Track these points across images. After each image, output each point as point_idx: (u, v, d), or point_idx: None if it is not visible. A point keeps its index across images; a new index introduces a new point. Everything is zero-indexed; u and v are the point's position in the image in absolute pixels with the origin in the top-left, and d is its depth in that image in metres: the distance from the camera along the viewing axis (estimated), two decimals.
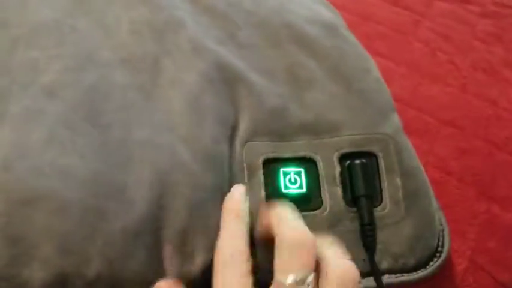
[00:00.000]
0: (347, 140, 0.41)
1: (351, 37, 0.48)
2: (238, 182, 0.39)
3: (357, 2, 0.58)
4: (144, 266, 0.35)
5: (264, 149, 0.40)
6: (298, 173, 0.40)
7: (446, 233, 0.41)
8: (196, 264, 0.35)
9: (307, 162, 0.40)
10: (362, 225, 0.39)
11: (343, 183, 0.40)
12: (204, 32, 0.45)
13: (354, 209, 0.39)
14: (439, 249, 0.40)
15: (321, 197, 0.39)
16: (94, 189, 0.35)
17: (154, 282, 0.34)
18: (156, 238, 0.36)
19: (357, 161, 0.40)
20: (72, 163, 0.36)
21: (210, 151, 0.39)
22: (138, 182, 0.36)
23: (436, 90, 0.52)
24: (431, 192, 0.41)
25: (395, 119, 0.43)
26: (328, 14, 0.50)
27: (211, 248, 0.35)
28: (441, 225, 0.41)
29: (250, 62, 0.44)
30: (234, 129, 0.41)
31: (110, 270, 0.34)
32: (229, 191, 0.38)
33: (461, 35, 0.58)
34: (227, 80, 0.42)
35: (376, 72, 0.46)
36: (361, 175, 0.40)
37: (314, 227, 0.38)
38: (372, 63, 0.47)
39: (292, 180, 0.39)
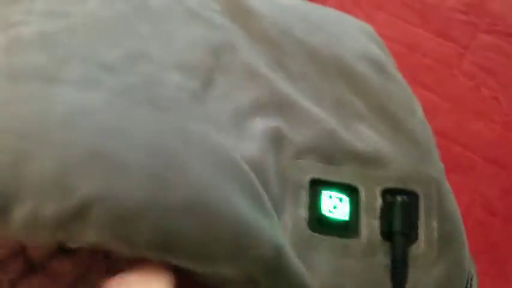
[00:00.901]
0: (393, 176, 0.42)
1: (399, 76, 0.48)
2: (282, 197, 0.39)
3: (403, 33, 0.59)
4: (196, 242, 0.34)
5: (311, 169, 0.41)
6: (341, 199, 0.40)
7: (474, 281, 0.41)
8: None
9: (350, 190, 0.41)
10: (394, 261, 0.39)
11: (382, 217, 0.41)
12: (256, 58, 0.46)
13: (389, 244, 0.40)
14: None
15: (358, 227, 0.40)
16: (156, 156, 0.35)
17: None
18: (214, 220, 0.35)
19: (399, 198, 0.41)
20: (133, 128, 0.35)
21: (256, 160, 0.39)
22: (199, 161, 0.36)
23: (481, 126, 0.53)
24: (465, 238, 0.42)
25: (439, 163, 0.44)
26: (378, 51, 0.50)
27: (266, 244, 0.35)
28: (470, 272, 0.41)
29: (300, 91, 0.45)
30: (282, 144, 0.41)
31: (162, 241, 0.33)
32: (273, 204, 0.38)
33: (505, 70, 0.59)
34: (277, 104, 0.43)
35: (421, 114, 0.46)
36: (400, 212, 0.40)
37: (349, 254, 0.39)
38: (417, 104, 0.47)
39: (335, 205, 0.40)
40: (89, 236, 0.32)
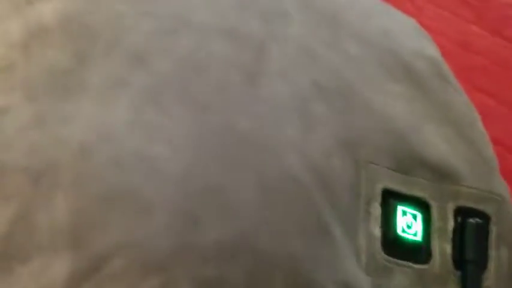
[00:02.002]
0: (465, 192, 0.37)
1: (455, 81, 0.43)
2: (354, 210, 0.35)
3: (455, 28, 0.54)
4: None
5: (385, 176, 0.35)
6: (414, 216, 0.35)
7: None
8: None
9: (422, 206, 0.36)
10: None
11: (453, 240, 0.36)
12: (312, 29, 0.40)
13: (459, 273, 0.35)
14: None
15: (430, 251, 0.35)
16: (186, 189, 0.30)
17: None
18: (261, 261, 0.30)
19: (472, 220, 0.36)
20: (160, 154, 0.30)
21: (322, 164, 0.34)
22: (242, 185, 0.31)
23: None
24: None
25: (503, 182, 0.39)
26: (432, 49, 0.45)
27: (328, 283, 0.31)
28: None
29: (361, 76, 0.39)
30: (352, 145, 0.36)
31: None
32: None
33: None
34: (340, 90, 0.37)
35: (481, 125, 0.42)
36: (474, 237, 0.35)
37: (421, 283, 0.34)
38: (476, 115, 0.42)
39: (409, 223, 0.35)
40: None
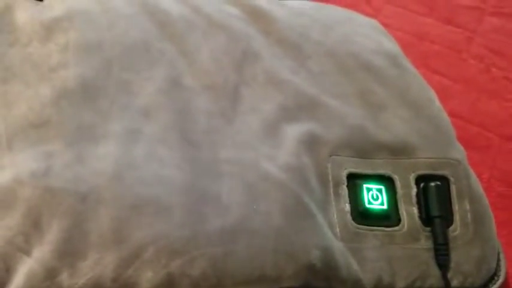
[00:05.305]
0: (423, 162, 0.44)
1: (412, 67, 0.51)
2: (325, 194, 0.42)
3: (411, 23, 0.61)
4: (245, 263, 0.37)
5: (348, 163, 0.43)
6: (379, 190, 0.42)
7: (502, 257, 0.43)
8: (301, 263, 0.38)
9: (386, 181, 0.43)
10: (437, 244, 0.41)
11: (418, 203, 0.42)
12: (278, 62, 0.48)
13: (429, 229, 0.42)
14: (497, 271, 0.42)
15: (398, 215, 0.42)
16: (193, 196, 0.39)
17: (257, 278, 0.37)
18: (255, 238, 0.38)
19: (432, 184, 0.43)
20: (171, 174, 0.39)
21: (293, 164, 0.42)
22: (231, 191, 0.39)
23: (495, 106, 0.54)
24: (492, 216, 0.43)
25: (461, 147, 0.46)
26: (390, 44, 0.52)
27: (311, 248, 0.38)
28: (499, 247, 0.43)
29: (323, 88, 0.47)
30: (316, 144, 0.43)
31: (214, 269, 0.37)
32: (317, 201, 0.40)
33: None
34: (304, 107, 0.45)
35: (437, 102, 0.49)
36: (436, 197, 0.42)
37: (394, 242, 0.41)
38: (433, 93, 0.49)
39: (374, 197, 0.42)
40: (147, 277, 0.36)
